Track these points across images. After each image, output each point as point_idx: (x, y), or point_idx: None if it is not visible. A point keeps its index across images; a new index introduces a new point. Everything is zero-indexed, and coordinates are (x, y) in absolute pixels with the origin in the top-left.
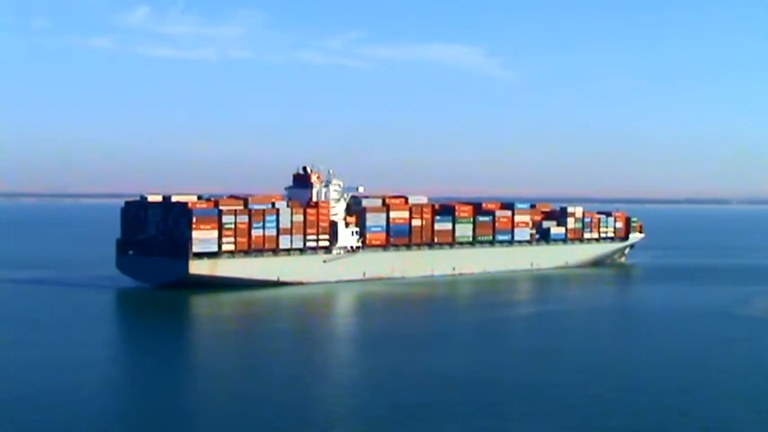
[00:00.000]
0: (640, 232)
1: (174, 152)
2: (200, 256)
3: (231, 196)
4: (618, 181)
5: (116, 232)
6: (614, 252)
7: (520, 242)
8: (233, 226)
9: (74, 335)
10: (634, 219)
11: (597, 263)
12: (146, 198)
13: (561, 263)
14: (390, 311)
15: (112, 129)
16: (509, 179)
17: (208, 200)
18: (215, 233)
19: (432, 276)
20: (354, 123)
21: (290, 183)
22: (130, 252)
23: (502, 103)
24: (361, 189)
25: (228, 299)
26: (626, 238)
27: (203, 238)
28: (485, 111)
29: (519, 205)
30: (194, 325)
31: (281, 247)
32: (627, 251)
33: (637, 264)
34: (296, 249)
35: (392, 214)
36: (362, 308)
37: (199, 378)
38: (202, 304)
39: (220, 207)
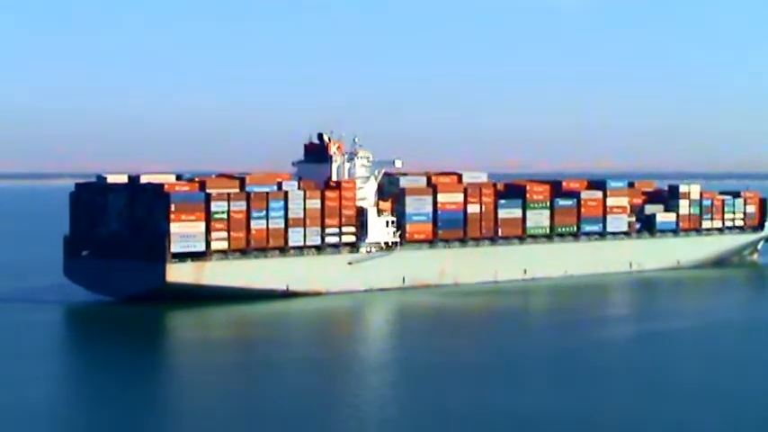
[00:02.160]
0: None
1: (140, 117)
2: (180, 257)
3: (222, 175)
4: (735, 150)
5: (62, 226)
6: (744, 247)
7: (614, 234)
8: (225, 216)
9: (7, 370)
10: None
11: (720, 262)
12: (104, 179)
13: (671, 262)
14: (440, 332)
15: (41, 86)
16: (596, 149)
17: (190, 180)
18: (201, 226)
19: (495, 283)
20: (380, 76)
21: (301, 156)
22: (84, 253)
23: (572, 41)
24: (398, 164)
25: (220, 316)
26: (761, 227)
27: (185, 232)
28: (551, 53)
29: (612, 184)
30: (173, 353)
31: (290, 244)
32: (761, 245)
33: None
34: (311, 247)
35: (440, 198)
36: (402, 327)
37: (180, 427)
38: (184, 324)
39: (208, 190)
